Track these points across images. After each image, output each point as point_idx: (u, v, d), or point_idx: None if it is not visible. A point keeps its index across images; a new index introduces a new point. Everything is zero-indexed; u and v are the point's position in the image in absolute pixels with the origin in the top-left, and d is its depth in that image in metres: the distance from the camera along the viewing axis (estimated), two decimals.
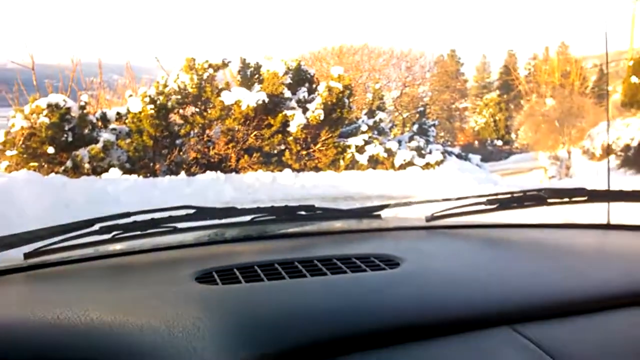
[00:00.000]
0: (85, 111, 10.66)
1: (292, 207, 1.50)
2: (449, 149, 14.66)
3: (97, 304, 0.90)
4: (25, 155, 10.00)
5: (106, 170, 9.71)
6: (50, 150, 10.02)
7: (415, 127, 14.23)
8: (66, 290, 1.05)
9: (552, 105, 29.07)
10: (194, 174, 10.10)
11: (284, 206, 1.50)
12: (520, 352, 0.75)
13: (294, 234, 1.50)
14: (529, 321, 0.83)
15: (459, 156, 14.01)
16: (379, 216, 1.65)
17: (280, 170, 10.67)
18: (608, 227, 1.56)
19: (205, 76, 10.92)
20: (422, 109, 15.57)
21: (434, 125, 14.82)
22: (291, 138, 11.12)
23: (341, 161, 11.54)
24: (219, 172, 10.16)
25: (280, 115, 10.98)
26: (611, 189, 1.60)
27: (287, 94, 11.27)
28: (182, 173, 10.12)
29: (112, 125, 10.93)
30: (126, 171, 9.83)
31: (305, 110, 11.34)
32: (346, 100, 11.71)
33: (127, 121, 10.74)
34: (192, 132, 11.06)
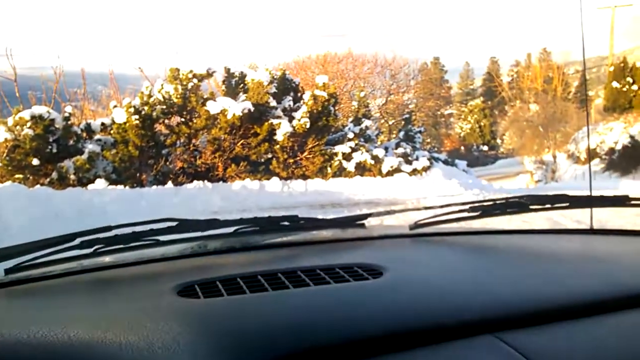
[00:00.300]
0: (69, 122, 10.56)
1: (276, 218, 1.50)
2: (436, 155, 14.74)
3: (76, 321, 0.89)
4: (9, 168, 9.88)
5: (92, 181, 9.62)
6: (35, 162, 9.91)
7: (402, 134, 14.30)
8: (46, 307, 1.04)
9: (535, 110, 29.38)
10: (181, 184, 10.05)
11: (267, 217, 1.49)
12: None
13: (277, 245, 1.49)
14: (512, 329, 0.83)
15: (445, 162, 14.09)
16: (363, 225, 1.65)
17: (268, 179, 10.65)
18: (591, 232, 1.57)
19: (189, 86, 10.89)
20: (407, 116, 15.64)
21: (420, 132, 14.89)
22: (278, 146, 11.12)
23: (328, 169, 11.56)
24: (206, 181, 10.12)
25: (266, 124, 10.97)
26: (593, 194, 1.61)
27: (273, 102, 11.28)
28: (169, 183, 10.06)
29: (97, 136, 10.84)
30: (112, 182, 9.75)
31: (291, 118, 11.34)
32: (332, 109, 11.73)
33: (112, 132, 10.66)
34: (178, 142, 11.00)
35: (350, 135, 12.29)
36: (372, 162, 11.85)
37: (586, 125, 23.72)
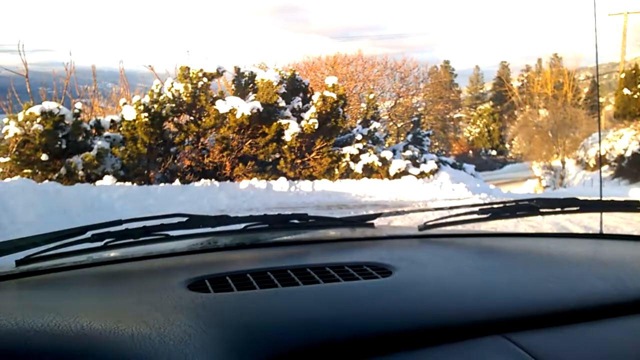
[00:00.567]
0: (79, 118, 10.62)
1: (286, 216, 1.50)
2: (444, 158, 14.67)
3: (88, 311, 0.90)
4: (18, 162, 9.94)
5: (100, 178, 9.68)
6: (44, 157, 9.97)
7: (410, 136, 14.27)
8: (57, 297, 1.04)
9: (545, 116, 29.25)
10: (188, 182, 10.08)
11: (277, 214, 1.50)
12: None
13: (287, 242, 1.50)
14: (521, 330, 0.84)
15: (453, 166, 14.05)
16: (372, 225, 1.65)
17: (275, 179, 10.66)
18: (601, 236, 1.56)
19: (199, 85, 10.93)
20: (416, 118, 15.60)
21: (428, 135, 14.85)
22: (286, 147, 11.13)
23: (336, 170, 11.55)
24: (213, 180, 10.15)
25: (274, 124, 10.99)
26: (603, 199, 1.61)
27: (282, 103, 11.29)
28: (177, 181, 10.10)
29: (106, 133, 10.90)
30: (120, 179, 9.80)
31: (299, 119, 11.35)
32: (340, 110, 11.74)
33: (121, 129, 10.72)
34: (186, 140, 11.04)
35: (359, 137, 12.28)
36: (380, 164, 11.83)
37: (595, 131, 23.62)
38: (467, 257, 1.34)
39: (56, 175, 9.91)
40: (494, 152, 36.39)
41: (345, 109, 12.40)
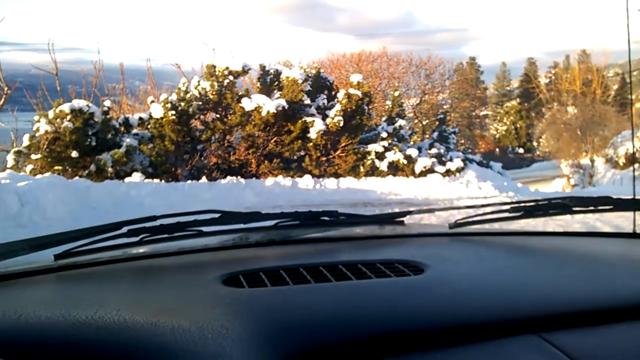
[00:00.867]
0: (108, 116, 10.77)
1: (316, 213, 1.51)
2: (470, 156, 14.50)
3: (127, 305, 0.92)
4: (49, 159, 10.12)
5: (129, 175, 9.80)
6: (74, 154, 10.13)
7: (435, 134, 14.15)
8: (96, 291, 1.07)
9: (573, 113, 28.73)
10: (215, 179, 10.16)
11: (307, 211, 1.50)
12: None
13: (317, 239, 1.50)
14: (556, 329, 0.83)
15: (480, 164, 13.88)
16: (402, 222, 1.65)
17: (301, 176, 10.68)
18: (635, 236, 1.54)
19: (225, 83, 11.01)
20: (442, 116, 15.46)
21: (454, 132, 14.71)
22: (311, 144, 11.14)
23: (361, 167, 11.52)
24: (239, 177, 10.21)
25: (299, 121, 11.00)
26: (637, 197, 1.58)
27: (307, 100, 11.30)
28: (204, 178, 10.19)
29: (134, 131, 11.04)
30: (149, 175, 9.92)
31: (324, 117, 11.35)
32: (365, 107, 11.70)
33: (149, 126, 10.86)
34: (213, 138, 11.13)
35: (384, 134, 12.23)
36: (405, 161, 11.77)
37: (627, 129, 23.11)
38: (500, 255, 1.34)
39: (86, 172, 10.07)
40: (521, 150, 35.88)
41: (370, 107, 12.36)
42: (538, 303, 0.93)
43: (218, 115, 11.21)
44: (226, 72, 10.97)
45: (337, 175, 11.21)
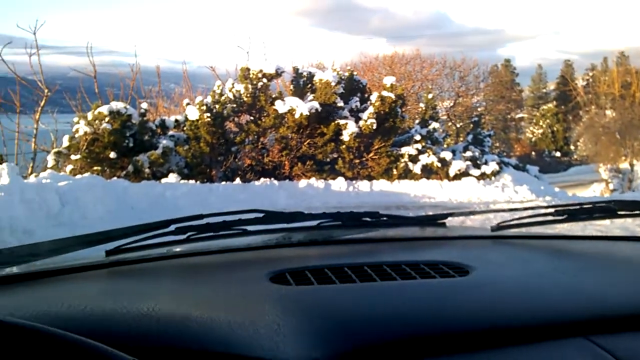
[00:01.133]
0: (145, 118, 10.99)
1: (358, 213, 1.52)
2: (506, 159, 14.28)
3: (182, 300, 0.94)
4: (88, 160, 10.38)
5: (165, 176, 9.97)
6: (113, 155, 10.36)
7: (470, 137, 13.99)
8: (150, 286, 1.10)
9: (612, 116, 28.03)
10: (249, 181, 10.25)
11: (349, 212, 1.52)
12: None
13: (359, 240, 1.51)
14: (605, 332, 0.82)
15: (516, 167, 13.66)
16: (443, 224, 1.65)
17: (334, 179, 10.68)
18: None
19: (259, 85, 11.10)
20: (476, 119, 15.27)
21: (489, 135, 14.51)
22: (344, 147, 11.14)
23: (394, 170, 11.46)
24: (273, 179, 10.28)
25: (333, 124, 11.02)
26: None
27: (340, 103, 11.30)
28: (238, 179, 10.29)
29: (170, 132, 11.24)
30: (184, 177, 10.07)
31: (357, 119, 11.34)
32: (399, 110, 11.64)
33: (185, 128, 11.03)
34: (247, 140, 11.23)
35: (417, 137, 12.14)
36: (439, 164, 11.66)
37: None
38: (544, 258, 1.32)
39: (124, 172, 10.30)
40: (557, 154, 35.13)
41: (403, 109, 12.30)
42: (587, 306, 0.92)
43: (252, 118, 11.31)
44: (260, 75, 11.06)
45: (370, 178, 11.18)
